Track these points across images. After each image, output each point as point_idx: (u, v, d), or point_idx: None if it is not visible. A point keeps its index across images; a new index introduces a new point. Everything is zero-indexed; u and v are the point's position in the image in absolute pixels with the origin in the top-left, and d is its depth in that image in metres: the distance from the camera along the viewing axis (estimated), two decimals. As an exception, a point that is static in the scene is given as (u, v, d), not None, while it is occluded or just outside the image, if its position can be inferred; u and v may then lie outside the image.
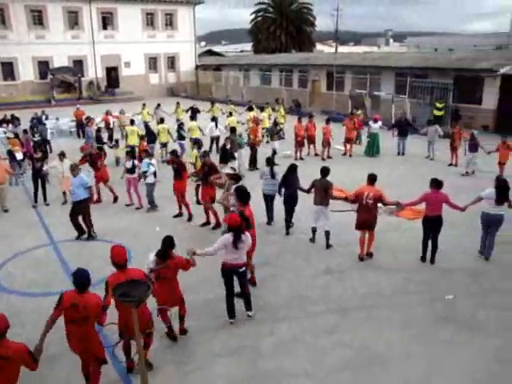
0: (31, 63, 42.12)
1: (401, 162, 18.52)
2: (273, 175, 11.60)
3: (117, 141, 17.49)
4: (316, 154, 19.44)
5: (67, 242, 11.07)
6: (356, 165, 17.58)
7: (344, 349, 6.94)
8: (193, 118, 21.22)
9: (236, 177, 10.67)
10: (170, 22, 48.39)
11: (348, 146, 19.63)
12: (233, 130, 16.62)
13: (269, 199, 11.82)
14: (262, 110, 23.77)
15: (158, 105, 25.24)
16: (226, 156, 14.38)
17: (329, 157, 19.03)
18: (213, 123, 19.77)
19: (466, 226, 11.07)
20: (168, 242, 6.83)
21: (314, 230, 10.67)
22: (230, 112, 22.94)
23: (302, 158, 18.72)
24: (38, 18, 41.88)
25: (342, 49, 68.03)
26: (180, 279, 7.07)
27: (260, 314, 7.87)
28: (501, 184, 9.44)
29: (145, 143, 16.67)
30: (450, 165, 17.68)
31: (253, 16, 59.51)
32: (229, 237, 7.23)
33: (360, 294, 8.45)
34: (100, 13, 44.50)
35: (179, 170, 12.22)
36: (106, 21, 45.32)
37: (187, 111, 24.73)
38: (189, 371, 6.53)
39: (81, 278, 5.54)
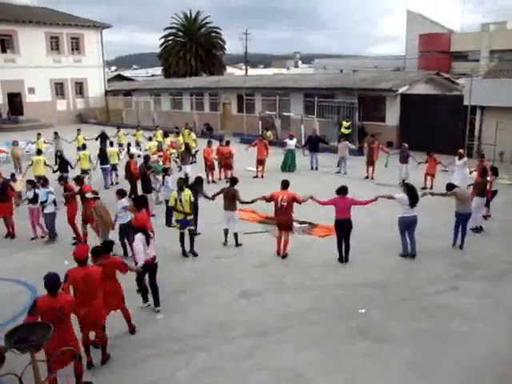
0: None
1: (315, 176, 19.04)
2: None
3: (13, 175, 15.40)
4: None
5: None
6: (272, 183, 17.73)
7: (265, 372, 6.86)
8: (101, 143, 20.60)
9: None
10: (76, 46, 46.91)
11: (260, 168, 19.79)
12: (147, 158, 15.78)
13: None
14: (177, 134, 23.50)
15: (56, 133, 23.92)
16: (149, 186, 14.70)
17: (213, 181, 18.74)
18: (137, 148, 19.53)
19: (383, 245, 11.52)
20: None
21: (225, 232, 11.84)
22: (150, 138, 22.48)
23: (214, 181, 18.63)
24: None
25: (253, 71, 69.64)
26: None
27: (176, 344, 7.61)
28: (411, 189, 10.72)
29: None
30: (366, 178, 18.52)
31: (162, 40, 59.38)
32: (141, 236, 8.31)
33: (276, 314, 8.42)
34: (-2, 35, 42.23)
35: (73, 196, 12.47)
36: (6, 44, 43.00)
37: (97, 138, 24.13)
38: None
39: (52, 281, 5.91)
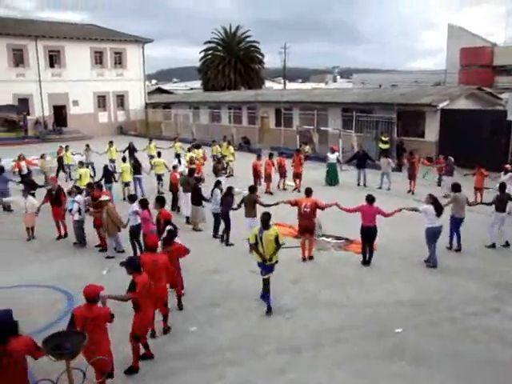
0: (-28, 101, 40.86)
1: (357, 191, 18.83)
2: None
3: (78, 187, 15.92)
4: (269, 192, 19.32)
5: (3, 288, 10.32)
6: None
7: (294, 390, 6.76)
8: (125, 158, 20.81)
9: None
10: (119, 60, 48.22)
11: (297, 181, 19.79)
12: (192, 171, 16.02)
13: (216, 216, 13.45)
14: (197, 147, 23.57)
15: (87, 145, 24.40)
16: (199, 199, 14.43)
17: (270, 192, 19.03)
18: (176, 160, 19.71)
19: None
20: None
21: (248, 240, 11.49)
22: (189, 149, 22.59)
23: (271, 193, 18.88)
24: (-20, 56, 40.93)
25: (291, 85, 69.88)
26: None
27: (208, 357, 7.60)
28: (435, 200, 10.99)
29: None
30: (409, 191, 18.47)
31: (202, 54, 60.32)
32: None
33: (310, 331, 8.31)
34: (47, 51, 43.87)
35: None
36: (54, 59, 44.67)
37: (124, 151, 24.34)
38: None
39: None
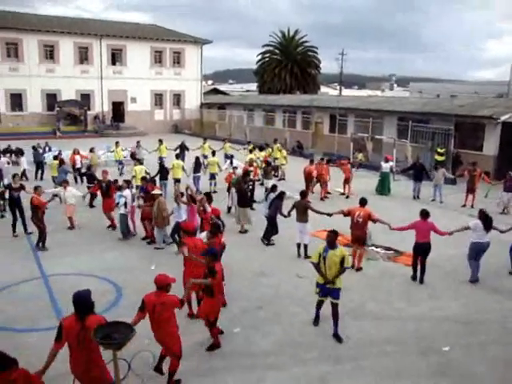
0: (39, 95, 42.83)
1: (408, 203, 18.57)
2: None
3: (128, 182, 16.58)
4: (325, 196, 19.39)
5: (58, 275, 10.87)
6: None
7: (334, 400, 6.69)
8: (179, 155, 21.18)
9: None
10: (177, 60, 49.26)
11: (346, 187, 19.74)
12: (246, 172, 16.40)
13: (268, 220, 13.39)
14: (260, 149, 23.80)
15: (138, 142, 25.04)
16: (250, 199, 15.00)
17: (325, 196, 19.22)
18: (228, 160, 20.18)
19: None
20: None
21: (298, 246, 12.23)
22: (250, 150, 22.86)
23: (326, 197, 19.11)
24: (49, 53, 42.84)
25: (347, 92, 69.30)
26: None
27: (249, 359, 7.63)
28: (485, 214, 10.72)
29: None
30: (464, 206, 17.88)
31: (259, 57, 60.73)
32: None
33: (353, 342, 8.19)
34: (110, 49, 45.44)
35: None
36: (115, 57, 46.24)
37: (175, 149, 24.74)
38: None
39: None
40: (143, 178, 14.95)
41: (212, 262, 7.57)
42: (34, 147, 23.93)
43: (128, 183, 14.07)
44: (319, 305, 8.61)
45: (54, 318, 8.71)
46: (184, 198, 12.68)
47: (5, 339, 8.05)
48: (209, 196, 12.23)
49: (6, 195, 15.32)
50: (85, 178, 18.44)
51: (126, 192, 13.52)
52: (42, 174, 22.26)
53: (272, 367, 7.42)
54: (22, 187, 14.06)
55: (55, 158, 19.54)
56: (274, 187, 13.86)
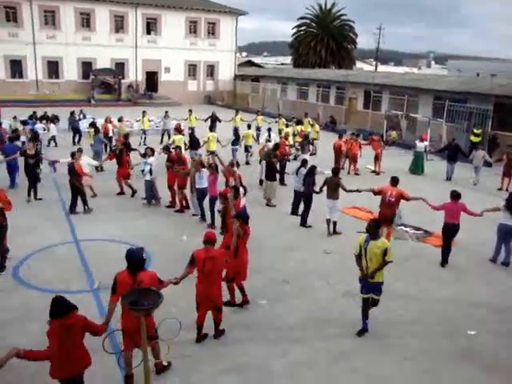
0: (75, 63, 43.28)
1: (440, 183, 18.30)
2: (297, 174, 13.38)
3: (152, 150, 16.91)
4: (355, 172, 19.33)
5: (89, 241, 11.15)
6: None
7: (357, 376, 6.73)
8: (212, 127, 21.18)
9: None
10: (212, 30, 48.92)
11: (377, 163, 19.59)
12: (276, 145, 16.25)
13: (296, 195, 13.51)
14: (297, 123, 23.53)
15: (166, 112, 24.98)
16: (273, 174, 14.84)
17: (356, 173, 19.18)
18: (266, 133, 20.12)
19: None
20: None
21: (327, 222, 12.23)
22: (287, 124, 22.82)
23: (357, 174, 19.08)
24: (86, 21, 43.08)
25: (382, 68, 67.91)
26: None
27: (275, 333, 7.72)
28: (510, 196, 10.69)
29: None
30: (500, 189, 17.45)
31: (295, 30, 59.71)
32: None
33: (379, 320, 8.16)
34: (145, 18, 45.38)
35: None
36: (150, 26, 46.18)
37: (206, 120, 24.64)
38: (194, 384, 6.43)
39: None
40: (165, 148, 15.22)
41: (243, 225, 8.02)
42: (71, 113, 24.49)
43: (152, 151, 14.15)
44: (364, 305, 7.70)
45: (84, 282, 8.99)
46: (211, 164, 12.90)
47: (42, 299, 8.36)
48: (236, 164, 12.94)
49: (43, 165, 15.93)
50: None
51: (151, 159, 13.70)
52: (80, 140, 22.81)
53: (296, 341, 7.49)
54: (37, 154, 14.27)
55: (91, 125, 19.84)
56: (304, 162, 13.71)
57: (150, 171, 13.56)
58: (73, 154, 13.26)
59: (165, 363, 6.54)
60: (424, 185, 17.34)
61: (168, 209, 13.81)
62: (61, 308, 5.06)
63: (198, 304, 7.16)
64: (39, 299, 8.28)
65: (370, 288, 7.55)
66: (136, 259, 5.97)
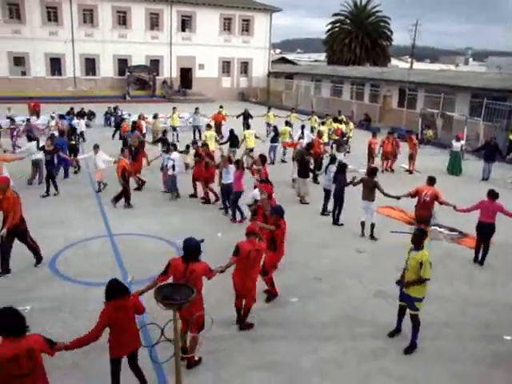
0: (112, 60, 44.01)
1: (476, 182, 17.94)
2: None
3: (187, 146, 16.32)
4: (391, 169, 19.15)
5: (123, 235, 11.34)
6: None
7: (387, 378, 6.67)
8: (246, 124, 21.19)
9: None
10: (246, 27, 49.00)
11: (411, 162, 19.25)
12: (310, 145, 16.03)
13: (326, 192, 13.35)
14: (334, 120, 23.24)
15: (197, 109, 24.81)
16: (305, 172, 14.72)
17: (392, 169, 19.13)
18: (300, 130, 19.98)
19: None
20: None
21: (362, 224, 11.86)
22: (323, 122, 22.49)
23: (393, 170, 19.00)
24: (122, 19, 43.75)
25: (418, 65, 66.68)
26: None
27: (306, 330, 7.71)
28: None
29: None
30: None
31: (329, 26, 59.28)
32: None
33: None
34: (180, 15, 45.78)
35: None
36: (185, 23, 46.58)
37: (238, 116, 24.63)
38: (224, 379, 6.49)
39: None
40: (193, 143, 15.92)
41: (279, 219, 8.24)
42: (115, 108, 25.53)
43: (175, 147, 14.62)
44: (400, 312, 7.55)
45: (117, 275, 9.13)
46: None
47: (77, 290, 8.60)
48: (264, 158, 12.99)
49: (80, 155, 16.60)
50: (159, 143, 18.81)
51: (174, 155, 14.05)
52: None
53: (327, 339, 7.48)
54: (56, 150, 14.62)
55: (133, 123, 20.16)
56: (333, 159, 13.58)
57: (173, 166, 13.90)
58: (122, 150, 14.02)
59: (196, 358, 6.61)
60: (459, 185, 17.00)
61: (202, 205, 13.97)
62: (117, 290, 5.49)
63: (237, 296, 7.47)
64: (73, 290, 8.52)
65: (404, 297, 7.31)
66: (192, 249, 6.28)
